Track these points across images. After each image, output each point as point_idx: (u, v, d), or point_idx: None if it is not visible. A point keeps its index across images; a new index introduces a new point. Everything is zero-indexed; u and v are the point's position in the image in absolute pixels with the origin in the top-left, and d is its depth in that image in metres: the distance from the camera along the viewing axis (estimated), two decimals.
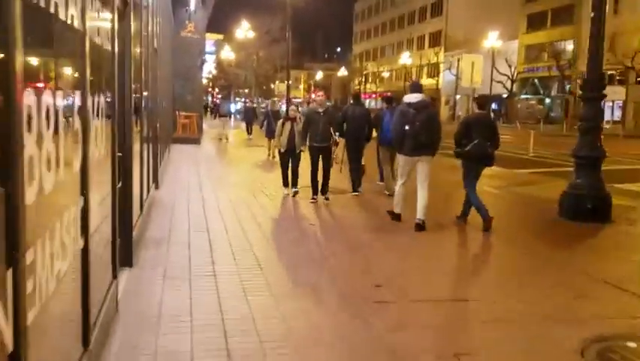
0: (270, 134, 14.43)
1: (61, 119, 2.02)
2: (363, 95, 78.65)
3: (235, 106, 55.87)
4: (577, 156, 7.65)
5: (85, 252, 2.55)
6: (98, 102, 3.00)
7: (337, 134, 8.73)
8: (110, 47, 3.35)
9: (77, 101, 2.39)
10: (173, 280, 4.57)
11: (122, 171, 4.05)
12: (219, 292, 4.29)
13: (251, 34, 36.59)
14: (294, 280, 4.76)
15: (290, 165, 8.67)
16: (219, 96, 54.14)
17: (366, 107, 11.12)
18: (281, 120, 8.83)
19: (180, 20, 16.58)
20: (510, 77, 49.70)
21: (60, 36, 2.15)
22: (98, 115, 2.97)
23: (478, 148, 6.56)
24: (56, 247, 2.01)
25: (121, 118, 4.03)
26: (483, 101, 7.45)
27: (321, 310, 4.05)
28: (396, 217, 6.91)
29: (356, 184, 9.06)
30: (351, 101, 10.16)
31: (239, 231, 6.33)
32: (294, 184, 8.71)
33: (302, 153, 8.60)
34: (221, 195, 8.65)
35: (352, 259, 5.48)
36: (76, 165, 2.40)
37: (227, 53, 41.82)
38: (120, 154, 3.85)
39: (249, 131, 22.78)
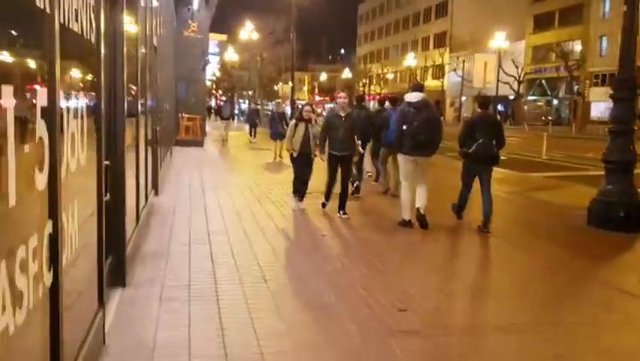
0: (275, 136, 14.47)
1: (11, 122, 1.52)
2: (367, 97, 78.48)
3: (239, 107, 55.57)
4: (607, 160, 7.12)
5: (54, 289, 2.04)
6: (77, 103, 2.50)
7: (360, 142, 7.92)
8: (93, 38, 2.85)
9: (42, 101, 1.89)
10: (171, 302, 4.07)
11: (111, 181, 3.54)
12: (222, 317, 3.78)
13: (255, 36, 36.17)
14: (306, 304, 4.24)
15: (303, 173, 7.80)
16: (223, 98, 53.79)
17: (370, 109, 11.05)
18: (293, 121, 8.03)
19: (183, 20, 16.11)
20: (517, 78, 49.07)
21: (14, 15, 1.65)
22: (76, 118, 2.47)
23: (483, 148, 6.49)
24: (6, 292, 1.51)
25: (109, 122, 3.54)
26: (485, 100, 7.31)
27: (337, 343, 3.52)
28: (407, 224, 6.69)
29: (358, 187, 8.97)
30: (354, 104, 10.00)
31: (244, 243, 5.82)
32: (301, 198, 7.82)
33: (315, 158, 7.80)
34: (225, 202, 8.15)
35: (369, 274, 4.96)
36: (41, 181, 1.90)
37: (231, 55, 41.41)
38: (108, 162, 3.34)
39: (253, 134, 21.18)
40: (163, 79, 10.35)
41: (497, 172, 14.23)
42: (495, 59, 13.35)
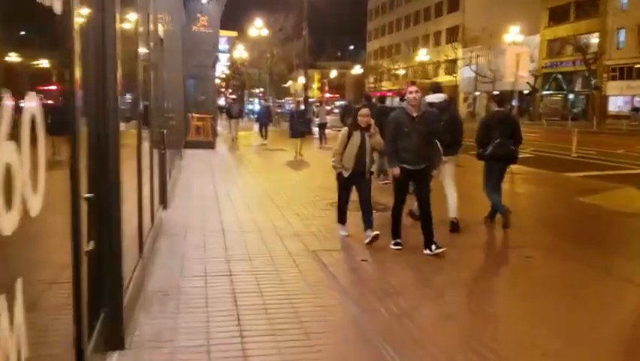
0: (295, 134, 14.62)
1: None
2: (378, 94, 77.23)
3: (248, 106, 54.50)
4: None
5: None
6: (27, 110, 1.45)
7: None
8: (58, 6, 1.78)
9: None
10: None
11: (97, 221, 2.48)
12: None
13: (264, 32, 35.10)
14: None
15: (358, 194, 6.02)
16: (233, 97, 52.73)
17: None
18: (344, 130, 6.09)
19: (192, 13, 15.04)
20: (533, 72, 47.59)
21: None
22: (17, 131, 1.41)
23: (501, 148, 6.46)
24: None
25: (95, 133, 2.48)
26: (502, 98, 7.32)
27: None
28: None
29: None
30: (363, 102, 9.76)
31: (272, 276, 4.75)
32: (368, 224, 5.83)
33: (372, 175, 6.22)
34: (244, 217, 7.08)
35: (433, 320, 3.88)
36: None
37: (240, 52, 40.35)
38: (90, 195, 2.28)
39: (264, 134, 19.54)
40: (171, 76, 9.31)
41: (530, 172, 13.23)
42: (528, 51, 12.16)
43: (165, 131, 7.06)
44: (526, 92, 52.22)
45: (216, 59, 17.70)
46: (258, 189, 9.36)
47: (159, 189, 6.56)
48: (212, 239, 5.91)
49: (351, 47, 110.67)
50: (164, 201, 6.93)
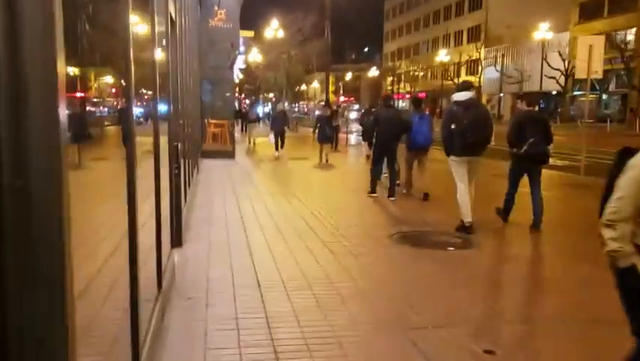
0: (322, 139, 14.30)
1: None
2: (396, 96, 75.22)
3: (264, 109, 52.83)
4: None
5: None
6: None
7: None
8: None
9: None
10: None
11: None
12: None
13: (281, 34, 33.45)
14: None
15: None
16: (247, 101, 51.08)
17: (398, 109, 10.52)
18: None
19: (208, 6, 13.33)
20: (564, 71, 45.22)
21: None
22: None
23: (535, 147, 6.39)
24: None
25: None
26: (531, 98, 7.27)
27: None
28: (467, 229, 6.38)
29: (392, 189, 8.69)
30: (382, 104, 9.56)
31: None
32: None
33: None
34: (284, 261, 5.26)
35: None
36: None
37: (256, 55, 38.71)
38: None
39: (279, 144, 15.80)
40: (185, 74, 7.61)
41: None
42: (603, 42, 10.41)
43: (179, 144, 5.30)
44: (554, 92, 49.87)
45: (235, 58, 15.94)
46: (293, 213, 7.54)
47: (172, 226, 4.81)
48: (246, 303, 4.09)
49: (366, 49, 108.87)
50: (178, 241, 5.17)
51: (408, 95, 70.54)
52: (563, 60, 44.87)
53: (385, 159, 8.78)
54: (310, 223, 6.87)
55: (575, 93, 48.85)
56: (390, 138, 8.50)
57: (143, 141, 3.12)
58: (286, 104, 32.40)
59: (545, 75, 44.57)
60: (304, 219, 7.08)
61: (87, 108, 2.09)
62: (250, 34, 27.76)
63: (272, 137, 16.56)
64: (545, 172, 12.13)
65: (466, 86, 6.67)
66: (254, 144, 20.26)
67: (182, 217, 5.37)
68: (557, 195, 9.45)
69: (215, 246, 5.70)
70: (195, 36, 11.95)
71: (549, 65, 44.47)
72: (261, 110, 46.99)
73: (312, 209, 7.76)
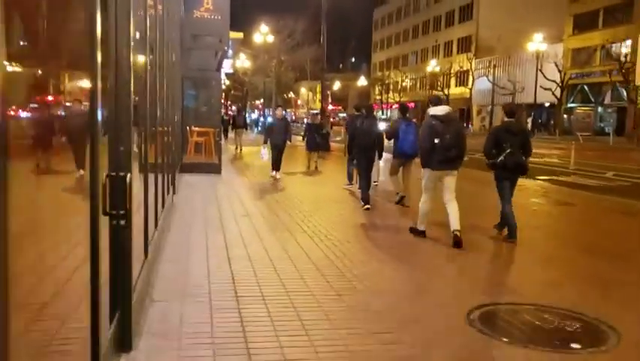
0: (312, 147, 14.09)
1: None
2: (385, 106, 73.83)
3: (250, 116, 50.68)
4: None
5: None
6: None
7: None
8: None
9: None
10: None
11: None
12: None
13: (271, 38, 31.61)
14: None
15: None
16: (233, 108, 49.04)
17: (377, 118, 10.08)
18: None
19: None
20: (559, 83, 44.13)
21: None
22: None
23: (512, 157, 6.47)
24: None
25: None
26: (512, 109, 7.00)
27: None
28: (420, 234, 6.63)
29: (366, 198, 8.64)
30: (363, 113, 9.29)
31: None
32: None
33: None
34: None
35: None
36: None
37: (243, 62, 36.71)
38: None
39: (275, 165, 12.28)
40: (166, 77, 5.65)
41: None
42: None
43: (129, 176, 3.17)
44: (547, 104, 48.81)
45: (224, 57, 13.90)
46: (306, 266, 5.51)
47: (112, 316, 2.78)
48: None
49: (353, 59, 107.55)
50: (122, 343, 3.11)
51: (396, 105, 69.24)
52: (560, 71, 43.78)
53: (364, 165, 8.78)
54: (346, 300, 4.38)
55: (570, 105, 47.83)
56: (369, 147, 8.62)
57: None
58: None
59: (541, 86, 43.36)
60: (331, 286, 4.75)
61: None
62: (239, 35, 25.83)
63: (265, 152, 12.25)
64: (587, 196, 10.50)
65: (439, 101, 6.78)
66: (241, 149, 19.93)
67: (133, 297, 3.25)
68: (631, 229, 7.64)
69: (189, 350, 3.36)
70: (177, 26, 9.95)
71: (544, 77, 43.33)
72: (247, 117, 44.96)
73: (343, 265, 5.50)
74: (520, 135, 6.66)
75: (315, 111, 18.15)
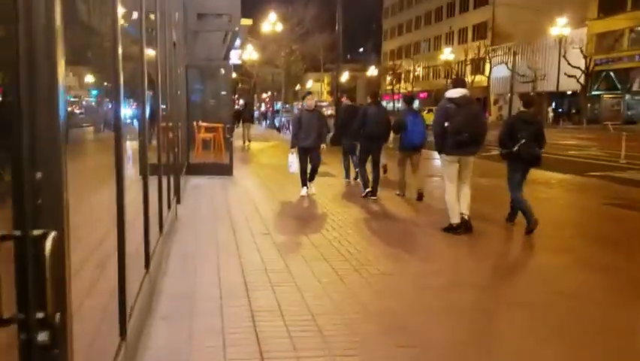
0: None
1: None
2: (395, 96, 71.68)
3: (259, 109, 48.91)
4: None
5: None
6: None
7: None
8: None
9: None
10: None
11: None
12: None
13: (279, 28, 29.76)
14: None
15: None
16: (240, 101, 47.35)
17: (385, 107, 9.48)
18: None
19: None
20: (584, 70, 41.88)
21: None
22: None
23: (526, 148, 6.34)
24: None
25: None
26: (528, 99, 6.95)
27: None
28: (454, 229, 6.23)
29: (375, 189, 8.50)
30: (369, 101, 8.78)
31: None
32: None
33: None
34: None
35: None
36: None
37: (250, 53, 34.85)
38: None
39: (309, 175, 8.89)
40: (169, 67, 3.94)
41: None
42: None
43: (54, 234, 1.44)
44: (569, 92, 46.56)
45: (235, 38, 12.09)
46: (369, 329, 3.80)
47: None
48: None
49: (361, 49, 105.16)
50: None
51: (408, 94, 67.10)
52: (585, 57, 41.55)
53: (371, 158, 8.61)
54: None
55: (594, 93, 45.58)
56: (377, 136, 8.45)
57: None
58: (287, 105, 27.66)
59: (565, 73, 41.17)
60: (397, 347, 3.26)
61: None
62: (249, 22, 24.04)
63: (294, 161, 8.78)
64: None
65: (459, 83, 6.55)
66: (249, 142, 19.29)
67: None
68: None
69: None
70: (180, 6, 8.24)
71: (568, 63, 41.12)
72: (256, 110, 43.21)
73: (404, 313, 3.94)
74: (534, 125, 6.55)
75: (324, 103, 16.37)
